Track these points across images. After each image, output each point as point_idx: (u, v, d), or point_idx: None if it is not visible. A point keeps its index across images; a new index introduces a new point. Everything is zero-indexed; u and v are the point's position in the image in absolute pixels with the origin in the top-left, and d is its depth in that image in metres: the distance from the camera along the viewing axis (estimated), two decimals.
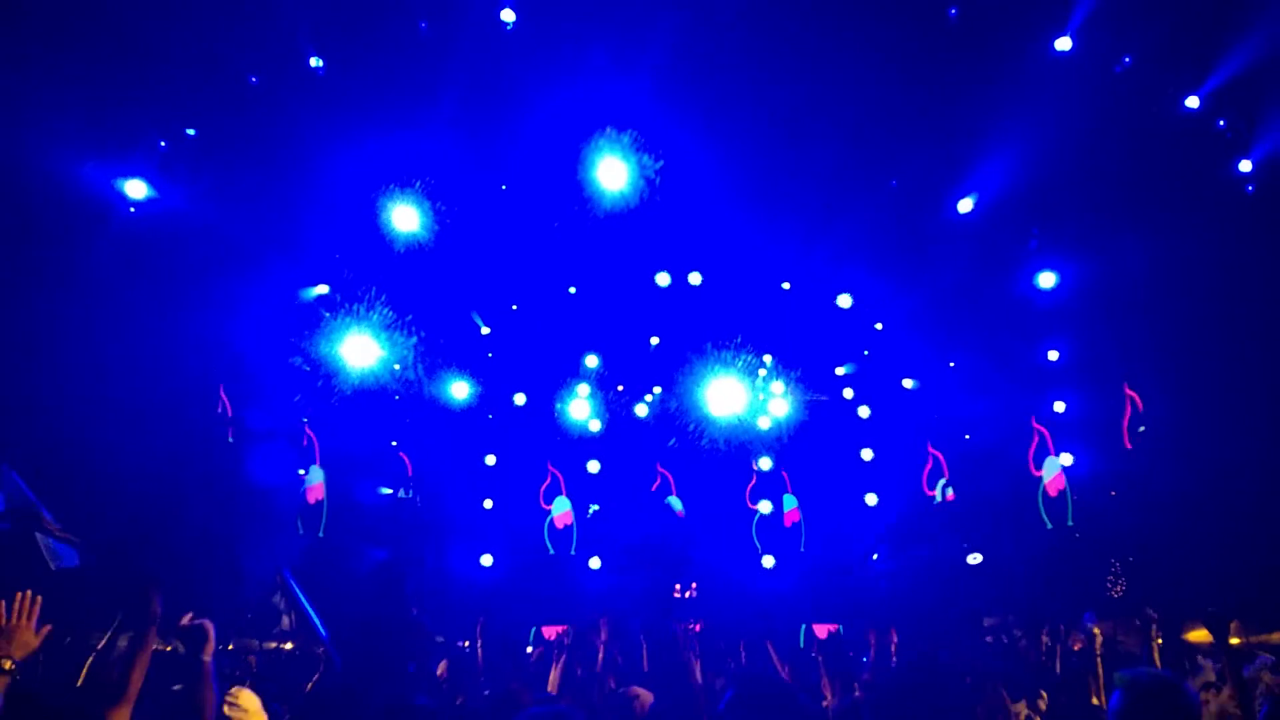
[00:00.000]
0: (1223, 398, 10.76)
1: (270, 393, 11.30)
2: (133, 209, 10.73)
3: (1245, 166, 11.12)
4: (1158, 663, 6.33)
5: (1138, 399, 11.74)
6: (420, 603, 11.03)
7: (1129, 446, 11.49)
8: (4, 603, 2.59)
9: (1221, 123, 11.27)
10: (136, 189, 10.58)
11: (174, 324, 10.40)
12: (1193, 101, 11.01)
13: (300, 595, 7.67)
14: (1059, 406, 12.14)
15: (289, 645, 10.30)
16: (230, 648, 10.75)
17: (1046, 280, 11.94)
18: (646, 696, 4.21)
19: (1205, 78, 10.99)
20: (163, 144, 11.09)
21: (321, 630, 7.92)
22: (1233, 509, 10.36)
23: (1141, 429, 11.63)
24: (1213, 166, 11.21)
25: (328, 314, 11.46)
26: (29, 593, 2.66)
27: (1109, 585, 11.41)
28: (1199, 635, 8.61)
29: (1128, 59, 11.04)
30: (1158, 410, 11.29)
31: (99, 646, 7.88)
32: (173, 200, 10.72)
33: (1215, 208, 10.93)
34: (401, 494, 12.69)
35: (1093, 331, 11.73)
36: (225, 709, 4.13)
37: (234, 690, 4.27)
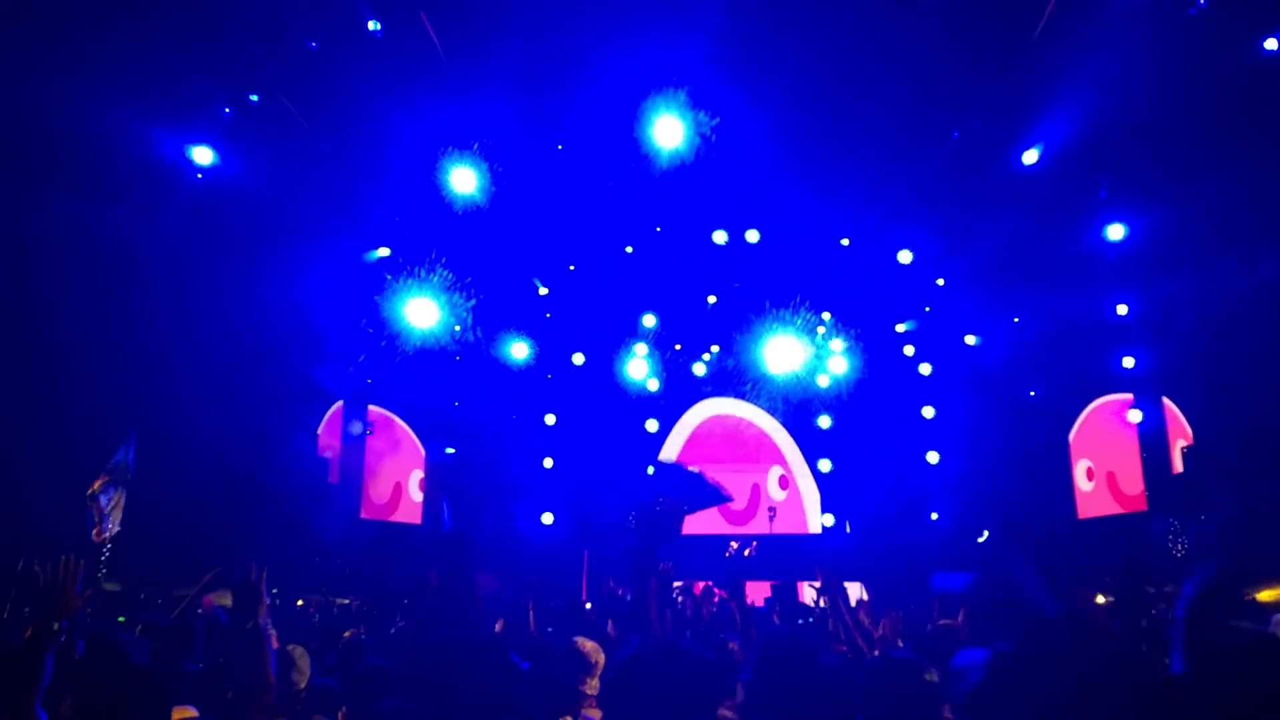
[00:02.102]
0: None
1: (336, 354, 11.85)
2: (200, 175, 11.26)
3: None
4: None
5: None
6: (483, 562, 11.52)
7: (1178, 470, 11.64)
8: (50, 566, 2.72)
9: None
10: (203, 155, 11.09)
11: (240, 288, 10.92)
12: (1272, 43, 10.83)
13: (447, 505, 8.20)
14: (1128, 362, 12.20)
15: (346, 601, 10.98)
16: (300, 603, 11.47)
17: (1115, 232, 11.95)
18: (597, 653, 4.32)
19: None
20: (227, 110, 11.58)
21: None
22: None
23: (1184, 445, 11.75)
24: None
25: (390, 276, 11.96)
26: (72, 557, 2.77)
27: (1170, 543, 11.49)
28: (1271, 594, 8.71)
29: (1201, 0, 10.90)
30: (1232, 365, 11.27)
31: (185, 600, 8.59)
32: (237, 166, 11.24)
33: None
34: (448, 451, 13.25)
35: (1164, 285, 11.73)
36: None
37: (290, 647, 4.53)
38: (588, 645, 4.42)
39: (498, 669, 2.42)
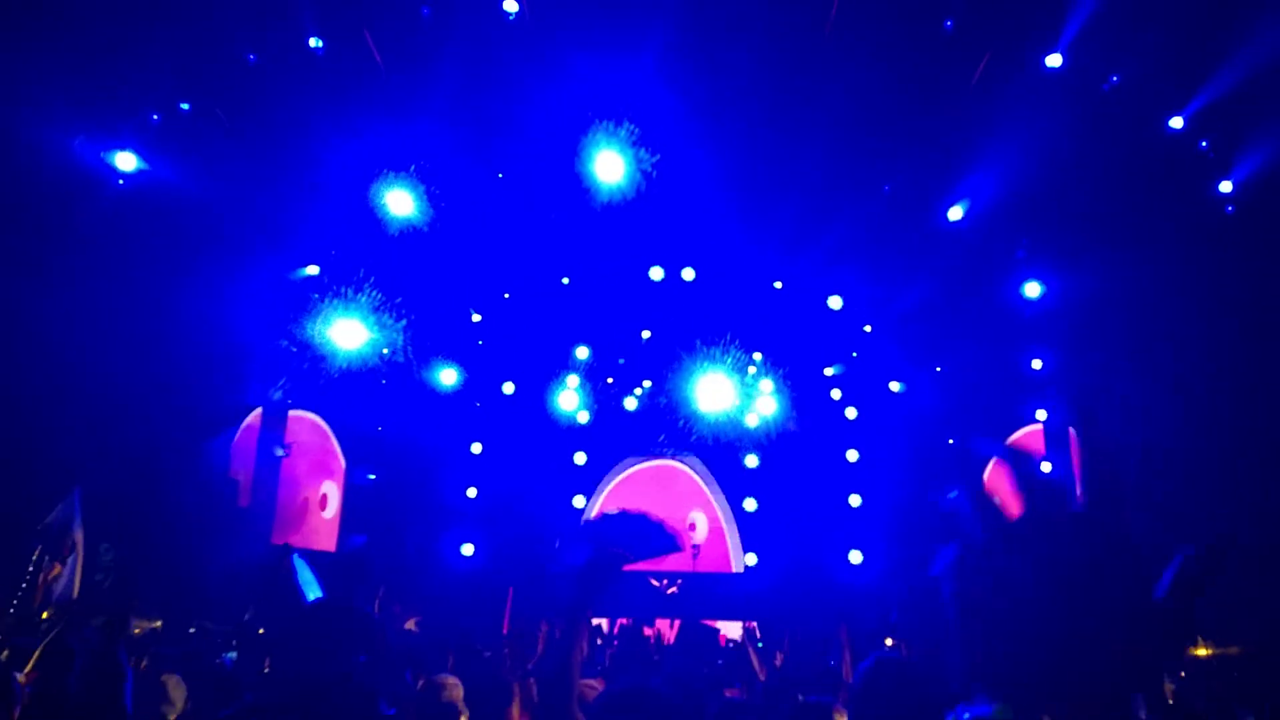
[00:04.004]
0: (1199, 411, 11.46)
1: (258, 373, 11.64)
2: (122, 181, 11.02)
3: (1226, 187, 11.88)
4: None
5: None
6: (386, 591, 11.37)
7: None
8: None
9: (1204, 144, 12.02)
10: (127, 161, 10.86)
11: (161, 300, 10.67)
12: (1177, 122, 11.78)
13: (300, 577, 8.02)
14: (1041, 414, 12.84)
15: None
16: (192, 630, 11.09)
17: (1032, 290, 12.65)
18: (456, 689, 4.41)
19: (1189, 99, 11.75)
20: (155, 117, 11.39)
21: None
22: (1206, 518, 11.04)
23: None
24: (1194, 186, 11.95)
25: (317, 296, 11.84)
26: None
27: None
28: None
29: (1115, 78, 11.81)
30: (1136, 422, 11.97)
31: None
32: (163, 175, 11.03)
33: (1196, 226, 11.67)
34: (371, 478, 13.07)
35: (1076, 341, 12.43)
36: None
37: (165, 677, 4.50)
38: (448, 681, 4.48)
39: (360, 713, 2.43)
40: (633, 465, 13.69)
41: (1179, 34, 11.16)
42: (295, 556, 7.96)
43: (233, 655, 8.59)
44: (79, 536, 9.12)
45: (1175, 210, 11.81)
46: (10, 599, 8.91)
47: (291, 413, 12.36)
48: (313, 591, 8.95)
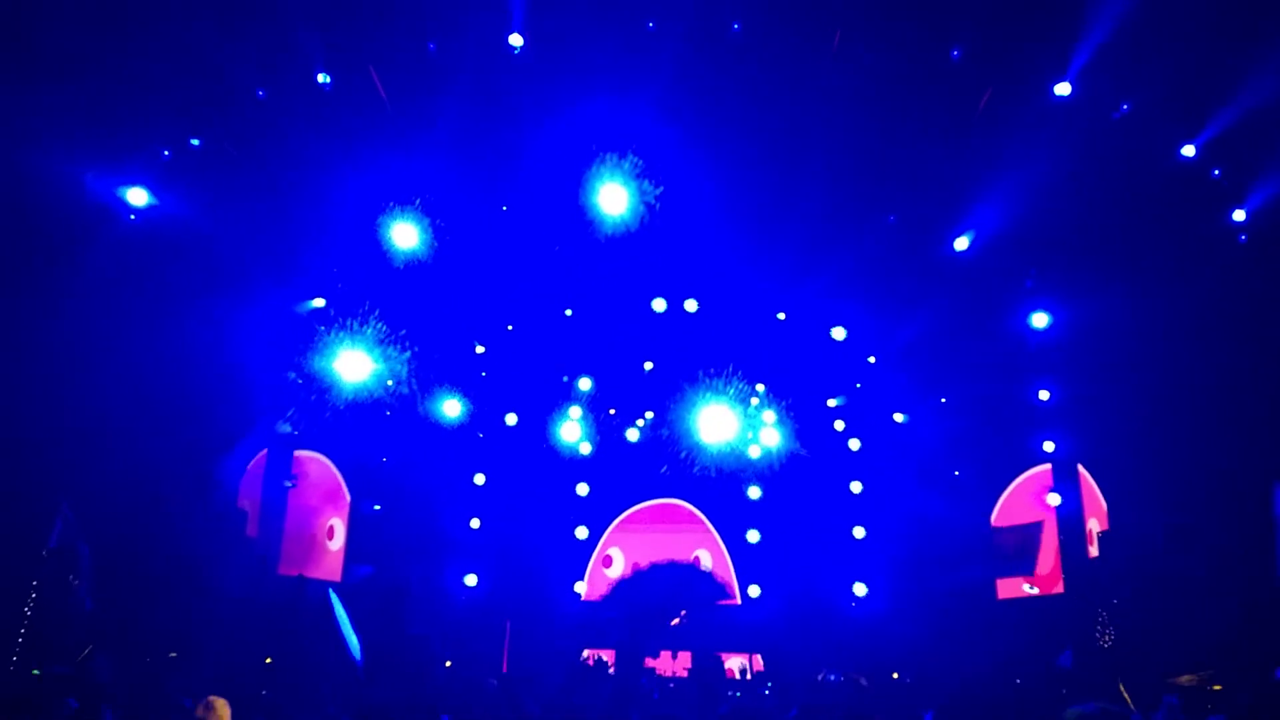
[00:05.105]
0: (1211, 443, 11.29)
1: (265, 405, 11.82)
2: (133, 216, 11.25)
3: (1239, 216, 11.70)
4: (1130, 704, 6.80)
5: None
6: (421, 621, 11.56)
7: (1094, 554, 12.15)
8: None
9: (1216, 172, 11.84)
10: (138, 197, 11.09)
11: (171, 333, 10.87)
12: (1188, 150, 11.60)
13: (340, 616, 8.22)
14: (1048, 446, 12.71)
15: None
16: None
17: (1040, 320, 12.53)
18: None
19: (1201, 127, 11.58)
20: (166, 153, 11.61)
21: (357, 654, 8.46)
22: (1215, 555, 10.91)
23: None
24: (1206, 215, 11.77)
25: (323, 328, 12.00)
26: None
27: (1097, 634, 11.88)
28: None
29: (1126, 106, 11.68)
30: (1145, 453, 11.83)
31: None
32: (174, 210, 11.25)
33: (1208, 255, 11.50)
34: (376, 508, 13.22)
35: (1084, 373, 12.30)
36: (199, 711, 4.61)
37: (210, 698, 4.73)
38: None
39: None
40: (636, 504, 13.75)
41: (1190, 61, 11.00)
42: (331, 592, 8.12)
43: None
44: (81, 553, 9.30)
45: (1187, 239, 11.64)
46: (18, 625, 9.13)
47: (298, 453, 12.54)
48: (348, 628, 9.11)
